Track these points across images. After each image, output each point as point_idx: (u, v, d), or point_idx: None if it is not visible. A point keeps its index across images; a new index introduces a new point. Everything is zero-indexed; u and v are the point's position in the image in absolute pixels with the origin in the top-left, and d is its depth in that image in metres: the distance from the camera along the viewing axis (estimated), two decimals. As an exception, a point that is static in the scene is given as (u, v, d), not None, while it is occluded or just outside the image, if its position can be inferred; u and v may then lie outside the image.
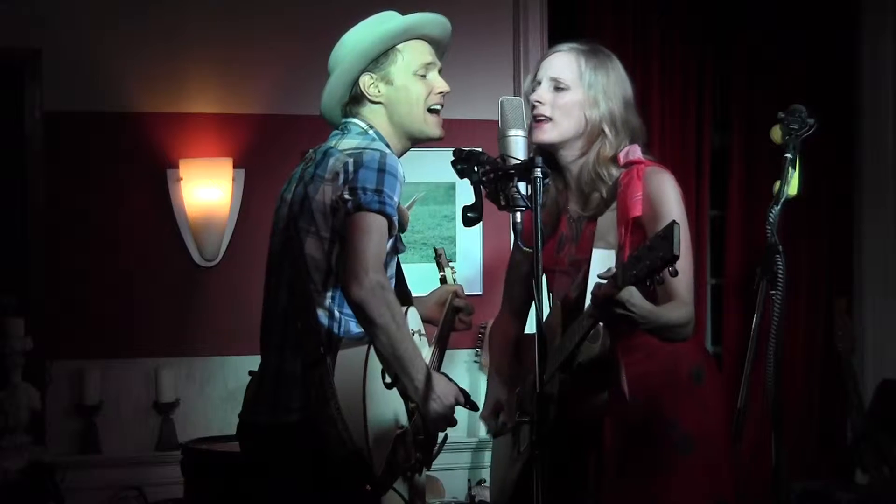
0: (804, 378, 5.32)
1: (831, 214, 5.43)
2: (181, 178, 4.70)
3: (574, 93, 2.78)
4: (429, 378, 2.54)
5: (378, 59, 2.75)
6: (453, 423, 2.63)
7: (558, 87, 2.78)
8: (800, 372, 5.30)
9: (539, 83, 2.81)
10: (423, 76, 2.78)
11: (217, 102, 4.80)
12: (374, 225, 2.54)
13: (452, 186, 4.88)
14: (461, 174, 2.45)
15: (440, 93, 2.79)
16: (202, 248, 4.73)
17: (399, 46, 2.77)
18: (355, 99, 2.78)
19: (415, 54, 2.78)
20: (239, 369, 4.51)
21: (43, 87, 4.65)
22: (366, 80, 2.75)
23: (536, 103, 2.78)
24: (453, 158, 2.47)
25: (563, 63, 2.81)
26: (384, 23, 2.78)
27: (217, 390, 4.74)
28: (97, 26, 4.69)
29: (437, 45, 2.84)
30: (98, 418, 4.62)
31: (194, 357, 4.75)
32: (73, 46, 4.66)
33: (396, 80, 2.76)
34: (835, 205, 5.43)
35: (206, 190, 4.67)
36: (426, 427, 2.66)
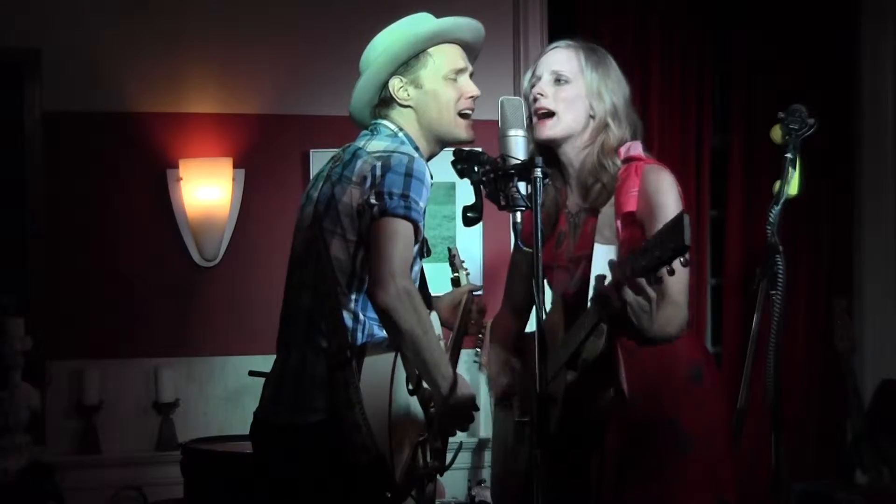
0: (804, 378, 5.31)
1: (831, 214, 5.42)
2: (181, 178, 4.69)
3: (576, 86, 2.76)
4: (454, 384, 2.54)
5: (408, 62, 2.73)
6: (467, 428, 2.63)
7: (560, 80, 2.77)
8: (800, 372, 5.29)
9: (539, 78, 2.79)
10: (454, 80, 2.75)
11: (217, 102, 4.80)
12: (400, 230, 2.53)
13: (452, 186, 4.88)
14: (461, 174, 2.45)
15: (471, 97, 2.77)
16: (202, 248, 4.73)
17: (430, 50, 2.75)
18: (384, 101, 2.76)
19: (446, 58, 2.75)
20: (239, 369, 4.51)
21: (43, 87, 4.64)
22: (395, 84, 2.74)
23: (538, 96, 2.76)
24: (453, 158, 2.47)
25: (564, 57, 2.80)
26: (416, 26, 2.75)
27: (217, 390, 4.74)
28: (97, 26, 4.69)
29: (470, 50, 2.83)
30: (98, 418, 4.62)
31: (194, 357, 4.74)
32: (73, 46, 4.66)
33: (426, 83, 2.74)
34: (835, 205, 5.42)
35: (206, 190, 4.67)
36: (441, 430, 2.65)
